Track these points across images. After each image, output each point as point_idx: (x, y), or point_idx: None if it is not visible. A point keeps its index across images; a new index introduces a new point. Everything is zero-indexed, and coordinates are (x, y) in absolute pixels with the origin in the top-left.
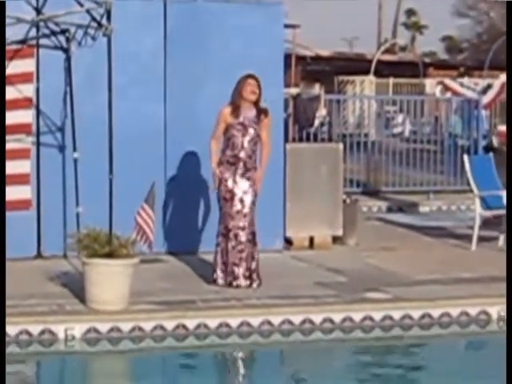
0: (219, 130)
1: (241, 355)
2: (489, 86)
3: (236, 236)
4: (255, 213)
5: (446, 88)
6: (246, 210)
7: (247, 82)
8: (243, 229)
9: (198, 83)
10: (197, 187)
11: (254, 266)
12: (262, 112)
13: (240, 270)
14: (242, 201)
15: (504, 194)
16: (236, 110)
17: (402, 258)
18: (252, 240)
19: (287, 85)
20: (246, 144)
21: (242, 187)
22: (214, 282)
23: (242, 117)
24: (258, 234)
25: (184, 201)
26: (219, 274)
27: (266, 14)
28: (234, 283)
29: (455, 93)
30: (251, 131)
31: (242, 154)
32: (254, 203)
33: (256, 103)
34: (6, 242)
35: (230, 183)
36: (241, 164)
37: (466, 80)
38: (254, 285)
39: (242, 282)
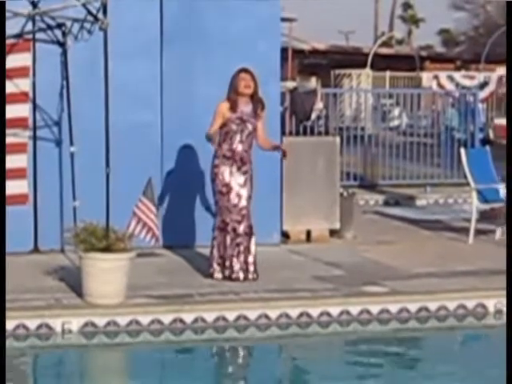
0: (216, 124)
1: (238, 349)
2: (486, 83)
3: (234, 229)
4: (251, 206)
5: (440, 86)
6: (243, 203)
7: (241, 77)
8: (240, 222)
9: (195, 77)
10: (193, 181)
11: (250, 259)
12: (258, 106)
13: (238, 264)
14: (238, 194)
15: (500, 186)
16: (233, 105)
17: (399, 251)
18: (249, 233)
19: (284, 78)
20: (244, 138)
21: (238, 181)
22: (211, 276)
23: (239, 111)
24: (254, 227)
25: (180, 194)
26: (216, 267)
27: (263, 9)
28: (233, 276)
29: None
30: (249, 126)
31: (240, 149)
32: (250, 197)
33: (252, 96)
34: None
35: (226, 177)
36: (237, 158)
37: (462, 74)
38: (250, 277)
39: (240, 275)
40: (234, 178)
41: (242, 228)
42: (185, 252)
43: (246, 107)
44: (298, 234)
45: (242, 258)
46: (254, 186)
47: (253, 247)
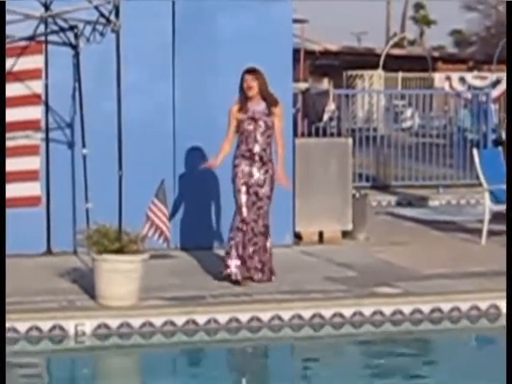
0: (231, 129)
1: (251, 350)
2: (498, 81)
3: (252, 229)
4: (270, 207)
5: (452, 87)
6: (261, 202)
7: (244, 79)
8: (257, 221)
9: (207, 80)
10: (206, 182)
11: (266, 258)
12: (271, 103)
13: (254, 263)
14: (256, 193)
15: None
16: (243, 106)
17: (411, 252)
18: (264, 232)
19: (296, 79)
20: (258, 137)
21: (257, 180)
22: (228, 277)
23: (250, 111)
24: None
25: (194, 196)
26: (233, 268)
27: (274, 9)
28: (253, 277)
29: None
30: (262, 123)
31: (257, 149)
32: (269, 197)
33: (262, 94)
34: (16, 239)
35: (245, 176)
36: (256, 158)
37: (473, 74)
38: (265, 278)
39: (257, 274)
40: (253, 177)
41: (258, 227)
42: (198, 253)
43: (257, 106)
44: (310, 236)
45: (257, 257)
46: (274, 187)
47: (269, 247)
